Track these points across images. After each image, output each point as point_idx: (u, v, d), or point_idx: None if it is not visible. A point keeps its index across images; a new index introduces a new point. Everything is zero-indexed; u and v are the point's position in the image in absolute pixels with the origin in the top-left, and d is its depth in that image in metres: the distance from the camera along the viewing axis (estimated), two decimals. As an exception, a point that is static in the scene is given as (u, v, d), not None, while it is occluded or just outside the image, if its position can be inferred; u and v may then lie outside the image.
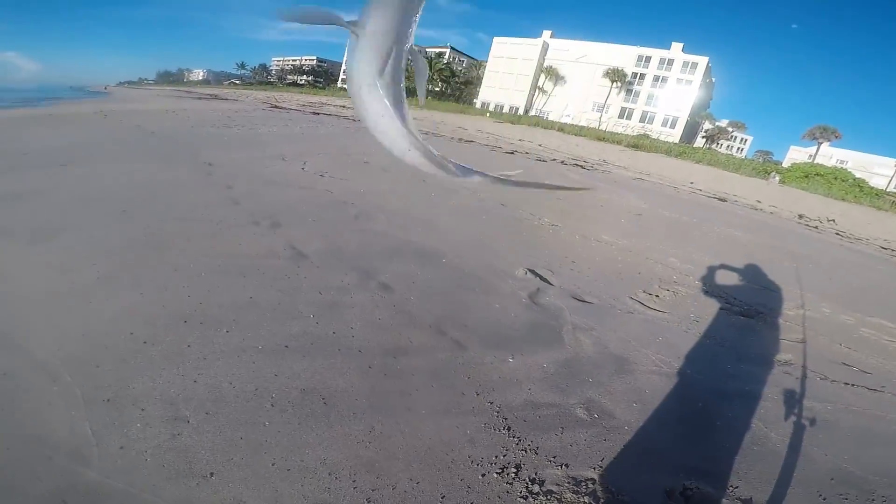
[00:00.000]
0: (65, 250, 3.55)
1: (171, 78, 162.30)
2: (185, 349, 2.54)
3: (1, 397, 2.05)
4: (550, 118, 52.48)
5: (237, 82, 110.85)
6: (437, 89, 68.32)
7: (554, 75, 60.69)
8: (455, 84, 70.54)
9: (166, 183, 5.85)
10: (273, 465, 1.90)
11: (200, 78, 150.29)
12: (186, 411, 2.11)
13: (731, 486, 2.14)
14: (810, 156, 52.30)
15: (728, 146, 78.63)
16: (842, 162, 51.59)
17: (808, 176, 28.72)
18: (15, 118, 12.82)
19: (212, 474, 1.82)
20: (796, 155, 61.19)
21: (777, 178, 28.21)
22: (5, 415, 1.96)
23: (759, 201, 15.76)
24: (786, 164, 41.59)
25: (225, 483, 1.79)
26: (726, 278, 5.34)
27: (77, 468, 1.76)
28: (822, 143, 53.50)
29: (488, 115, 47.13)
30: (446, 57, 78.20)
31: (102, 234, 3.93)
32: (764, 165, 34.54)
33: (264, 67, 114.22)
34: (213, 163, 7.31)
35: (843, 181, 28.28)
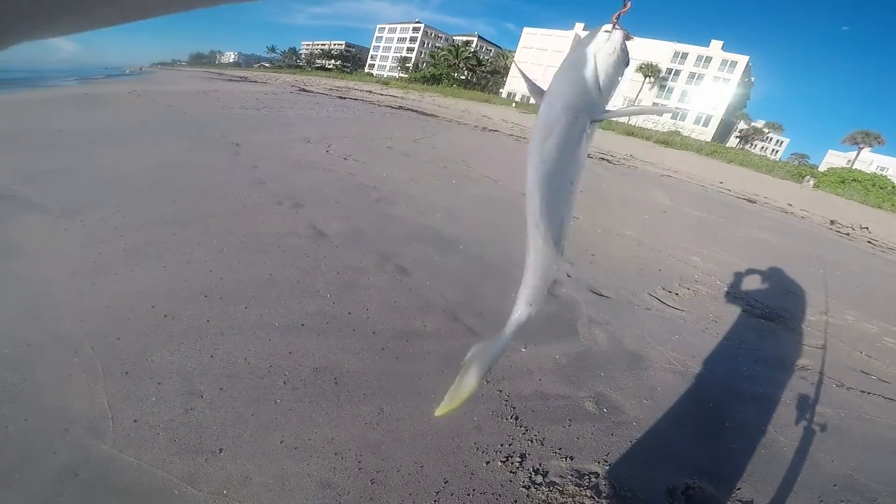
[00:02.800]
0: (94, 224, 3.66)
1: (203, 60, 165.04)
2: (205, 324, 2.61)
3: (24, 368, 2.11)
4: (578, 111, 51.61)
5: (267, 65, 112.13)
6: (462, 77, 68.07)
7: (584, 68, 59.65)
8: (481, 73, 70.16)
9: (194, 162, 5.96)
10: (281, 442, 1.94)
11: (231, 60, 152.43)
12: (201, 386, 2.16)
13: (735, 488, 2.11)
14: (849, 161, 50.65)
15: (762, 147, 76.67)
16: (882, 169, 49.73)
17: (845, 181, 27.82)
18: (52, 98, 13.17)
19: (221, 450, 1.86)
20: (834, 159, 59.30)
21: (811, 182, 27.38)
22: (27, 386, 2.02)
23: (790, 204, 15.33)
24: (822, 168, 40.35)
25: (233, 459, 1.83)
26: (750, 280, 5.23)
27: (91, 441, 1.80)
28: (862, 148, 51.69)
29: (514, 104, 46.60)
30: (473, 45, 77.84)
31: (130, 209, 4.03)
32: (799, 168, 33.52)
33: (294, 51, 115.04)
34: (240, 143, 7.43)
35: (882, 188, 27.30)
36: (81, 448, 1.77)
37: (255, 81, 35.87)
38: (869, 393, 3.21)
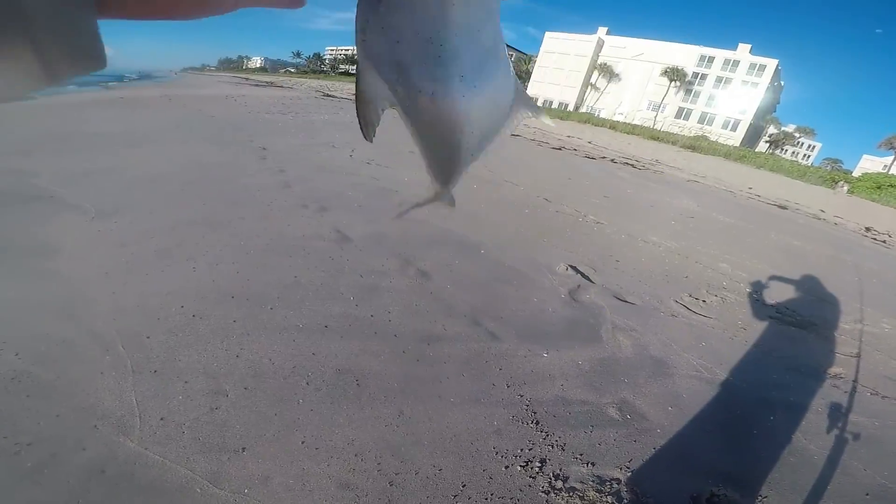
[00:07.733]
0: (127, 225, 3.76)
1: (231, 65, 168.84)
2: (231, 324, 2.66)
3: (58, 365, 2.17)
4: (602, 115, 51.13)
5: (292, 70, 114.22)
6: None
7: (608, 72, 59.05)
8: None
9: (223, 165, 6.09)
10: (303, 443, 1.96)
11: (258, 65, 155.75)
12: (226, 385, 2.20)
13: (761, 496, 2.07)
14: (885, 166, 49.05)
15: (793, 152, 74.83)
16: (921, 174, 47.99)
17: (881, 187, 26.93)
18: (88, 101, 13.57)
19: (243, 449, 1.88)
20: (869, 164, 57.60)
21: (845, 188, 26.65)
22: (61, 383, 2.07)
23: (822, 210, 14.93)
24: (856, 173, 39.05)
25: (255, 459, 1.85)
26: (780, 287, 5.10)
27: (118, 439, 1.84)
28: (900, 153, 50.02)
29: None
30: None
31: (162, 211, 4.13)
32: (831, 174, 32.55)
33: (318, 56, 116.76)
34: (267, 147, 7.57)
35: (920, 194, 26.37)
36: (109, 445, 1.81)
37: (281, 87, 36.47)
38: (906, 403, 3.10)
